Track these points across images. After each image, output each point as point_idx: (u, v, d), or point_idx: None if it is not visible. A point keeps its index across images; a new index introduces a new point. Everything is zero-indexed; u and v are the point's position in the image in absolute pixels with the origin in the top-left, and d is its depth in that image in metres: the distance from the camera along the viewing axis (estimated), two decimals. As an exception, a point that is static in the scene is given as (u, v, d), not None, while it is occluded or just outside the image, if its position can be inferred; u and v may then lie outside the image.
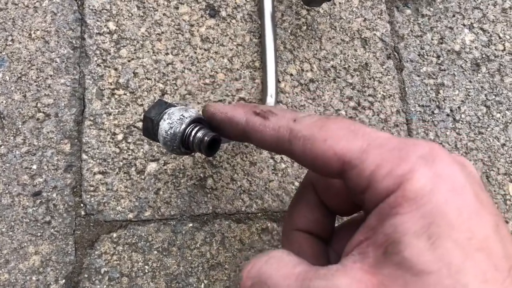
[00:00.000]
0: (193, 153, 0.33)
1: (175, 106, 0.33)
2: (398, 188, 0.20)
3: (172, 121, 0.31)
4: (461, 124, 0.49)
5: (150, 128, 0.32)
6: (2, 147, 0.42)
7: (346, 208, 0.29)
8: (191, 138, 0.31)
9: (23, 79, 0.44)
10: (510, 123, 0.50)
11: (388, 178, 0.21)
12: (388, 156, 0.22)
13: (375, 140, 0.22)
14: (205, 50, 0.47)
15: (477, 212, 0.20)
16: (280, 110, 0.27)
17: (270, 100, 0.45)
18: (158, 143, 0.34)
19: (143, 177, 0.43)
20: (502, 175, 0.48)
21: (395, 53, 0.50)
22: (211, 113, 0.31)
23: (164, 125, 0.31)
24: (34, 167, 0.42)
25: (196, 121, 0.32)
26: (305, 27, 0.49)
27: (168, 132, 0.31)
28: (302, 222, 0.30)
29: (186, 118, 0.31)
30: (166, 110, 0.32)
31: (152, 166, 0.43)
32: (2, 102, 0.43)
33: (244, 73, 0.47)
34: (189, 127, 0.31)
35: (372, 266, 0.21)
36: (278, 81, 0.47)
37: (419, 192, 0.20)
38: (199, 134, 0.31)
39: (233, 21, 0.48)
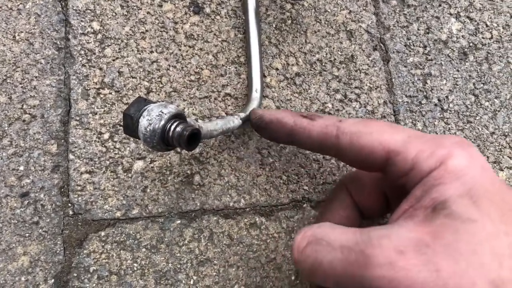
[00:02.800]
0: (174, 149, 0.33)
1: (154, 103, 0.33)
2: (440, 165, 0.25)
3: (151, 118, 0.31)
4: (449, 113, 0.49)
5: (130, 126, 0.32)
6: (-11, 149, 0.42)
7: (375, 208, 0.34)
8: (170, 133, 0.31)
9: (8, 81, 0.44)
10: (498, 111, 0.50)
11: (430, 159, 0.26)
12: (427, 143, 0.27)
13: (414, 133, 0.28)
14: (189, 47, 0.47)
15: (504, 185, 0.26)
16: (324, 114, 0.33)
17: (256, 95, 0.45)
18: (139, 140, 0.34)
19: (130, 175, 0.43)
20: (491, 164, 0.48)
21: (381, 45, 0.50)
22: (259, 115, 0.37)
23: (143, 122, 0.31)
24: (21, 168, 0.42)
25: (175, 116, 0.32)
26: (289, 21, 0.49)
27: (148, 129, 0.31)
28: (335, 219, 0.34)
29: (165, 114, 0.31)
30: (145, 107, 0.32)
31: (138, 164, 0.43)
32: (-12, 104, 0.43)
33: (229, 68, 0.47)
34: (168, 123, 0.31)
35: (423, 221, 0.25)
36: (263, 76, 0.47)
37: (458, 167, 0.25)
38: (178, 129, 0.31)
39: (218, 17, 0.48)
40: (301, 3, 0.50)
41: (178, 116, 0.32)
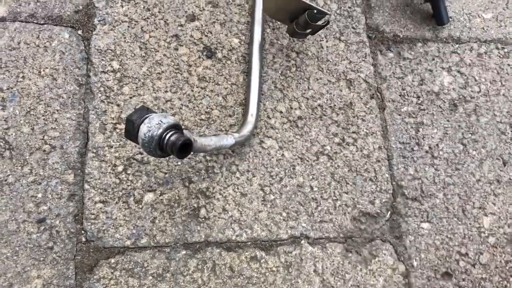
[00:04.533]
0: (169, 156, 0.37)
1: (155, 112, 0.37)
2: None
3: (151, 125, 0.35)
4: (439, 160, 0.53)
5: (131, 130, 0.36)
6: (10, 176, 0.45)
7: None
8: (165, 141, 0.35)
9: (31, 113, 0.47)
10: (485, 160, 0.54)
11: None
12: None
13: None
14: (201, 88, 0.51)
15: None
16: None
17: (251, 119, 0.48)
18: (138, 145, 0.38)
19: (140, 206, 0.46)
20: (477, 209, 0.52)
21: (378, 94, 0.54)
22: None
23: (143, 128, 0.35)
24: (39, 195, 0.45)
25: (172, 127, 0.36)
26: (294, 69, 0.53)
27: (147, 135, 0.35)
28: None
29: (164, 123, 0.35)
30: (147, 115, 0.36)
31: (149, 196, 0.46)
32: (11, 134, 0.46)
33: (237, 109, 0.50)
34: (165, 132, 0.35)
35: None
36: (259, 101, 0.50)
37: None
38: (173, 138, 0.35)
39: (228, 62, 0.52)
40: (305, 52, 0.54)
41: (175, 127, 0.36)
